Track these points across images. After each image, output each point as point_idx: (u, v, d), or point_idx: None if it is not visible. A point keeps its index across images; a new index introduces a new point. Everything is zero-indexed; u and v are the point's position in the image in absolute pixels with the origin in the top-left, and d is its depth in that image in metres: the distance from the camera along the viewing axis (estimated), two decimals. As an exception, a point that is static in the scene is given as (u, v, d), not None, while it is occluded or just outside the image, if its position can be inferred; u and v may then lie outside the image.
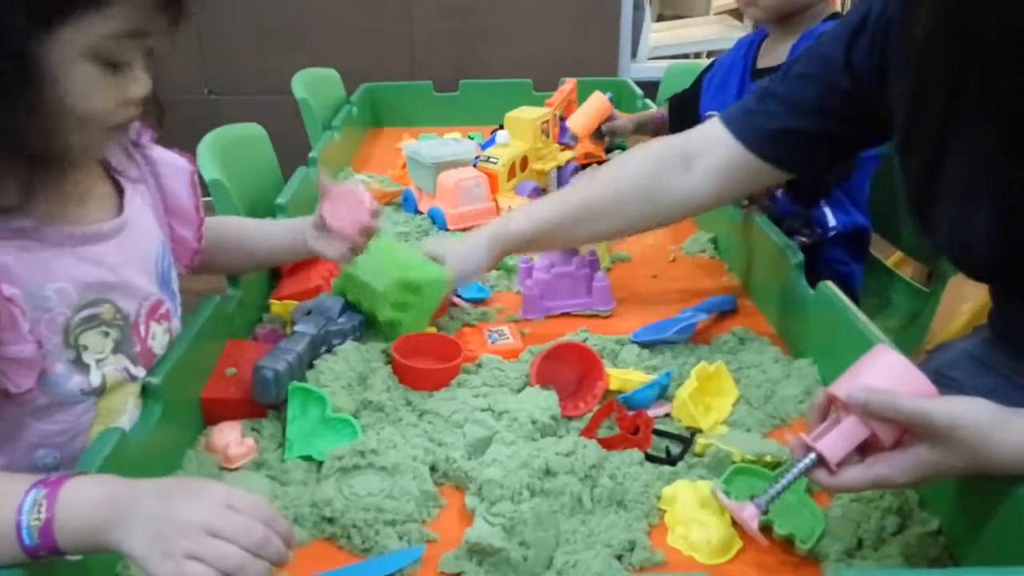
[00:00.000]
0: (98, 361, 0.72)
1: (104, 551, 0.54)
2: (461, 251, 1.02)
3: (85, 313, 0.70)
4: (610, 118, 1.57)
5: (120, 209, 0.76)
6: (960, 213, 0.73)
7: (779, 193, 1.29)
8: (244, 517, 0.53)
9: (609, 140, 1.63)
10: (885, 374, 0.62)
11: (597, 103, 1.56)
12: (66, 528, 0.53)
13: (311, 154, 1.48)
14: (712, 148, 0.96)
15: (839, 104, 0.88)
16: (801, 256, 1.03)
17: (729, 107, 0.99)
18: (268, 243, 0.98)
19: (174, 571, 0.50)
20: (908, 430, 0.60)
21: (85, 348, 0.71)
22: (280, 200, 1.24)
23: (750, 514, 0.65)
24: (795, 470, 0.64)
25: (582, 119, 1.55)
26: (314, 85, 1.90)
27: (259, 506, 0.55)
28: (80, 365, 0.71)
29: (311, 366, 0.89)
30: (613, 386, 0.89)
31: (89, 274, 0.71)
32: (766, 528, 0.68)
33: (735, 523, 0.71)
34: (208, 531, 0.52)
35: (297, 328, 0.95)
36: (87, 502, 0.54)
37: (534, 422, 0.80)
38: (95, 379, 0.72)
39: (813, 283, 0.95)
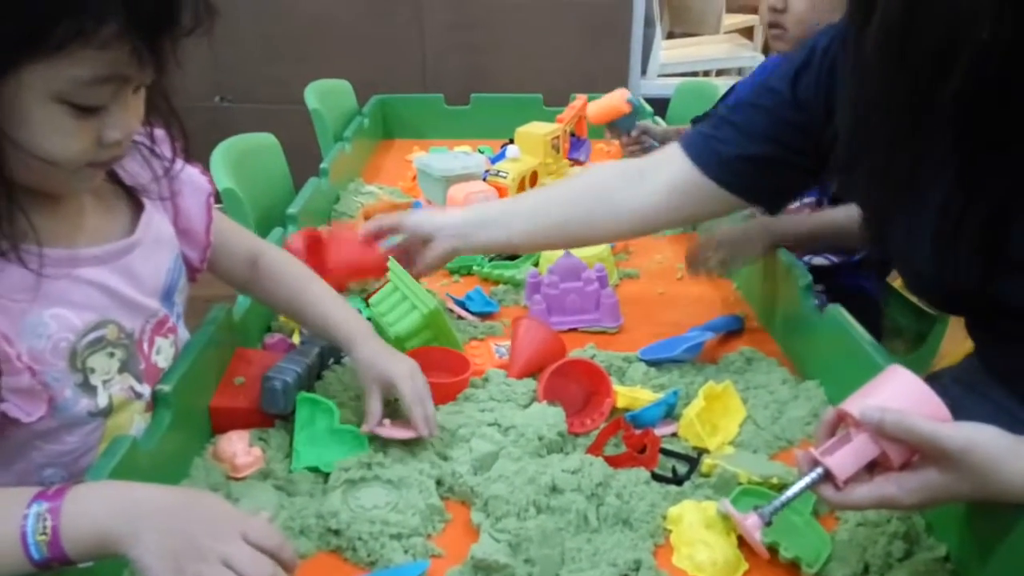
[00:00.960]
0: (105, 382, 0.72)
1: (114, 556, 0.55)
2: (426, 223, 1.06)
3: (91, 336, 0.70)
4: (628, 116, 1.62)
5: (133, 228, 0.75)
6: (907, 241, 0.75)
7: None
8: (257, 552, 0.54)
9: (616, 134, 1.67)
10: (899, 394, 0.62)
11: (617, 98, 1.61)
12: (74, 540, 0.53)
13: (322, 165, 1.49)
14: (667, 167, 0.98)
15: (789, 136, 0.91)
16: (809, 277, 1.03)
17: (688, 132, 1.02)
18: (312, 323, 0.90)
19: None
20: (918, 452, 0.60)
21: (92, 371, 0.70)
22: (291, 210, 1.25)
23: (753, 523, 0.65)
24: (801, 483, 0.63)
25: (596, 109, 1.61)
26: (327, 96, 1.91)
27: (270, 536, 0.56)
28: (87, 388, 0.70)
29: (319, 377, 0.90)
30: (620, 403, 0.89)
31: (88, 298, 0.70)
32: (772, 551, 0.68)
33: (741, 544, 0.70)
34: (223, 560, 0.53)
35: (305, 338, 0.95)
36: (92, 513, 0.54)
37: (541, 438, 0.80)
38: (102, 400, 0.71)
39: (836, 300, 0.96)
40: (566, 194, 1.06)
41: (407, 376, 0.82)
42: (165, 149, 0.77)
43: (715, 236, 1.13)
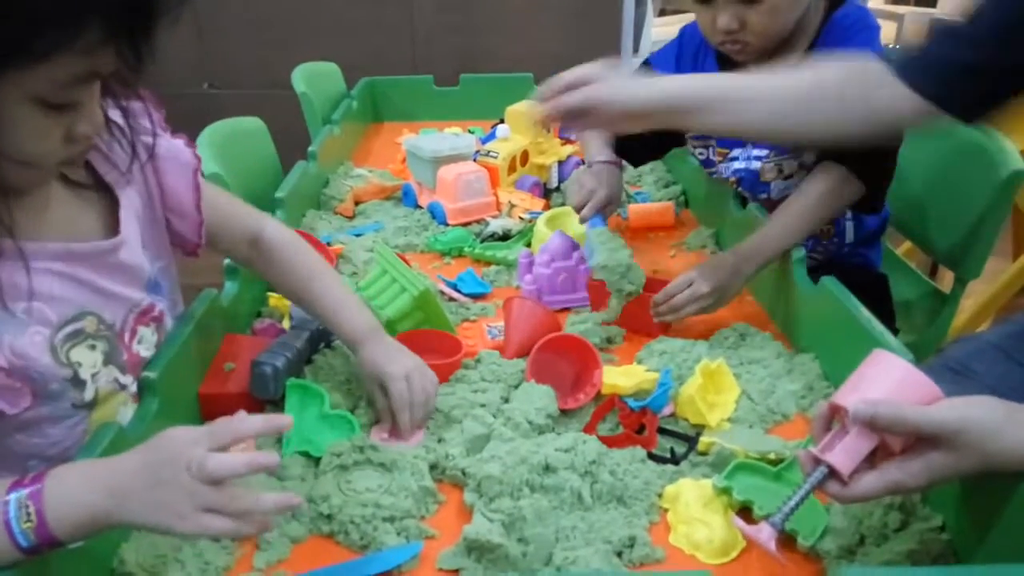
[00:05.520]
0: (93, 376, 0.71)
1: (104, 532, 0.56)
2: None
3: (68, 329, 0.69)
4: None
5: (115, 224, 0.73)
6: None
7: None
8: (220, 455, 0.56)
9: None
10: (888, 381, 0.61)
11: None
12: (61, 521, 0.53)
13: (310, 148, 1.47)
14: (884, 90, 0.87)
15: None
16: (803, 251, 1.02)
17: (900, 56, 0.89)
18: (318, 317, 0.88)
19: (195, 528, 0.54)
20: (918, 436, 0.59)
21: (79, 365, 0.69)
22: (279, 194, 1.23)
23: (768, 535, 0.63)
24: (807, 485, 0.62)
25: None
26: (314, 79, 1.89)
27: (224, 432, 0.57)
28: (77, 382, 0.70)
29: (309, 362, 0.89)
30: (610, 379, 0.87)
31: (63, 292, 0.68)
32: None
33: (737, 521, 0.70)
34: (204, 480, 0.54)
35: (295, 323, 0.94)
36: (75, 492, 0.54)
37: (530, 422, 0.79)
38: (88, 394, 0.71)
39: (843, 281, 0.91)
40: (804, 92, 0.90)
41: (400, 377, 0.80)
42: (144, 122, 0.75)
43: (698, 288, 0.99)
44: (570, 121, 0.92)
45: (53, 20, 0.54)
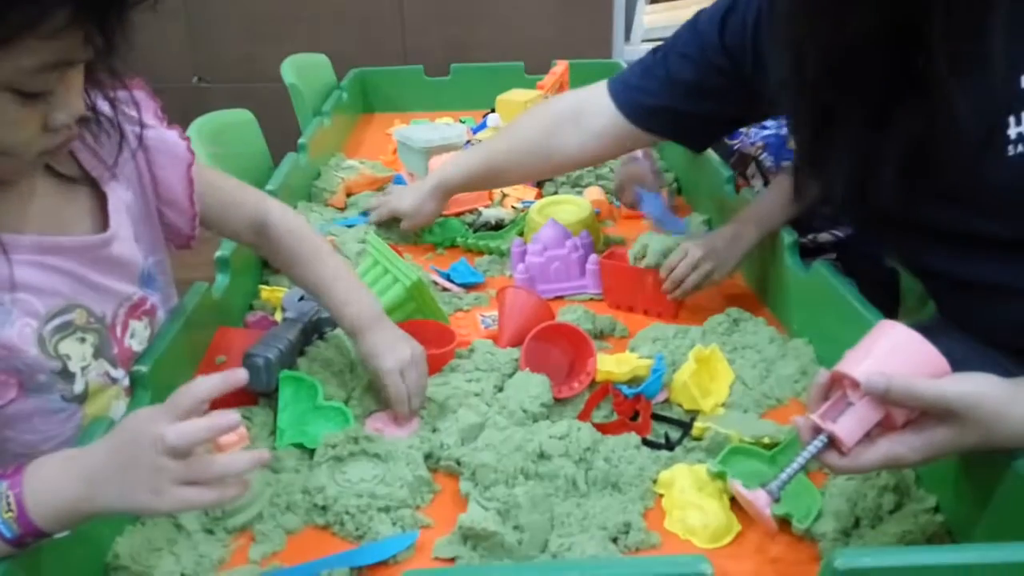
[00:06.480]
0: (83, 369, 0.70)
1: (88, 521, 0.55)
2: (412, 204, 1.22)
3: (57, 322, 0.68)
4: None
5: (105, 218, 0.73)
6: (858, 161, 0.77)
7: None
8: (179, 425, 0.54)
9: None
10: (897, 352, 0.60)
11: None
12: (44, 512, 0.53)
13: (301, 140, 1.46)
14: (598, 113, 1.06)
15: (717, 83, 0.94)
16: (795, 235, 1.02)
17: (615, 76, 1.07)
18: (322, 304, 0.89)
19: (174, 503, 0.54)
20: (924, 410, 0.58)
21: (68, 357, 0.69)
22: (270, 187, 1.22)
23: (764, 502, 0.63)
24: (806, 453, 0.61)
25: None
26: (304, 70, 1.88)
27: (181, 400, 0.56)
28: (66, 375, 0.69)
29: (302, 353, 0.88)
30: (603, 367, 0.87)
31: (52, 284, 0.68)
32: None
33: (733, 506, 0.70)
34: (169, 454, 0.53)
35: (288, 315, 0.94)
36: (54, 483, 0.54)
37: (525, 410, 0.79)
38: (78, 387, 0.70)
39: (853, 271, 0.94)
40: (516, 155, 1.14)
41: (394, 372, 0.80)
42: (147, 113, 0.74)
43: (692, 254, 1.00)
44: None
45: (15, 2, 0.53)
